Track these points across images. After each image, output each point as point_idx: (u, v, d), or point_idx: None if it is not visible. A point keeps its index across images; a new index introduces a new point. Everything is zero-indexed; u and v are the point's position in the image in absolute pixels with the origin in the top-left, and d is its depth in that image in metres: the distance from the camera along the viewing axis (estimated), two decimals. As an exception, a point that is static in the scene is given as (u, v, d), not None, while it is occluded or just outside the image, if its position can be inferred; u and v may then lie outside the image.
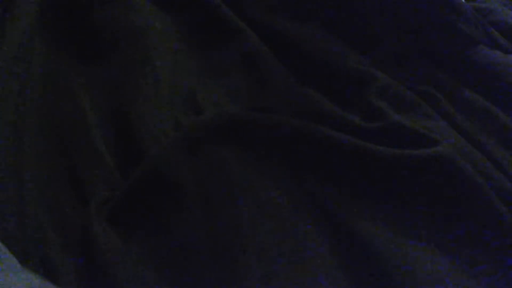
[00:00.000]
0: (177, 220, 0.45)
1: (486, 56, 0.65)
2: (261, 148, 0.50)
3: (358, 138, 0.50)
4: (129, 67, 0.58)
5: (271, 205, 0.46)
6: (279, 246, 0.44)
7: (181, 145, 0.49)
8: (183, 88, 0.58)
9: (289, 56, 0.62)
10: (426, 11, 0.66)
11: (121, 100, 0.55)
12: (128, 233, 0.44)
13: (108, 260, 0.41)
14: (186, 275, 0.42)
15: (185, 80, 0.59)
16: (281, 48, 0.63)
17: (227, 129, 0.50)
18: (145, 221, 0.45)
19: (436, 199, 0.48)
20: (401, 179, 0.48)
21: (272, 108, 0.55)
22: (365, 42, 0.66)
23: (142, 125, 0.52)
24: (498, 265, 0.45)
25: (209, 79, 0.59)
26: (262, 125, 0.51)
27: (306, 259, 0.43)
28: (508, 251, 0.45)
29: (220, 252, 0.43)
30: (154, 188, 0.46)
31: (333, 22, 0.67)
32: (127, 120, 0.53)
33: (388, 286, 0.42)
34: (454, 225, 0.46)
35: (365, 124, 0.54)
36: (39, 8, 0.61)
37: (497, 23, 0.74)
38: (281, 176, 0.49)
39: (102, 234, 0.42)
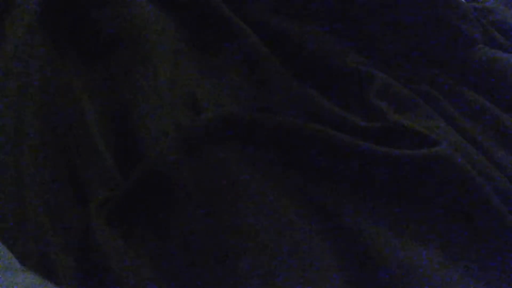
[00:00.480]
0: (177, 220, 0.45)
1: (486, 56, 0.65)
2: (261, 148, 0.50)
3: (358, 138, 0.50)
4: (129, 67, 0.58)
5: (271, 205, 0.46)
6: (279, 246, 0.44)
7: (181, 145, 0.49)
8: (183, 88, 0.58)
9: (289, 56, 0.62)
10: (426, 11, 0.66)
11: (121, 100, 0.55)
12: (128, 233, 0.44)
13: (108, 260, 0.41)
14: (186, 275, 0.42)
15: (185, 80, 0.59)
16: (281, 48, 0.63)
17: (227, 129, 0.50)
18: (145, 221, 0.45)
19: (436, 199, 0.48)
20: (401, 179, 0.48)
21: (272, 108, 0.55)
22: (365, 42, 0.66)
23: (142, 125, 0.52)
24: (498, 265, 0.45)
25: (209, 79, 0.59)
26: (262, 125, 0.51)
27: (306, 259, 0.43)
28: (508, 251, 0.45)
29: (220, 252, 0.43)
30: (154, 188, 0.46)
31: (333, 22, 0.67)
32: (127, 120, 0.53)
33: (388, 285, 0.42)
34: (454, 225, 0.46)
35: (365, 124, 0.54)
36: (39, 8, 0.61)
37: (497, 23, 0.74)
38: (281, 176, 0.49)
39: (102, 234, 0.42)
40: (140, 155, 0.49)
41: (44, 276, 0.40)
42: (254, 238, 0.44)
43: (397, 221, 0.46)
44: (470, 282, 0.43)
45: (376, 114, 0.55)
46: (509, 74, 0.63)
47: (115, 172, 0.49)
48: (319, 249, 0.44)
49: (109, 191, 0.47)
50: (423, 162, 0.48)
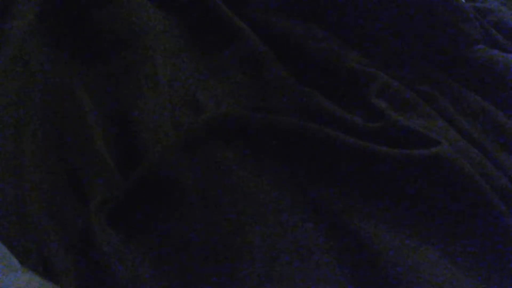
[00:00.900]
0: (177, 220, 0.45)
1: (486, 56, 0.65)
2: (261, 148, 0.50)
3: (358, 138, 0.50)
4: (129, 67, 0.58)
5: (271, 204, 0.46)
6: (278, 246, 0.44)
7: (181, 145, 0.49)
8: (183, 88, 0.58)
9: (289, 56, 0.62)
10: (426, 11, 0.66)
11: (121, 100, 0.55)
12: (128, 233, 0.44)
13: (108, 260, 0.41)
14: (186, 275, 0.42)
15: (185, 80, 0.59)
16: (281, 48, 0.63)
17: (227, 129, 0.50)
18: (145, 221, 0.45)
19: (436, 199, 0.48)
20: (401, 179, 0.48)
21: (272, 108, 0.56)
22: (365, 42, 0.66)
23: (142, 125, 0.52)
24: (498, 264, 0.45)
25: (209, 79, 0.59)
26: (262, 125, 0.51)
27: (306, 258, 0.43)
28: (508, 251, 0.45)
29: (220, 252, 0.43)
30: (154, 188, 0.46)
31: (333, 22, 0.67)
32: (127, 120, 0.53)
33: (388, 285, 0.42)
34: (454, 225, 0.46)
35: (365, 124, 0.54)
36: (39, 8, 0.61)
37: (497, 23, 0.75)
38: (281, 175, 0.49)
39: (102, 234, 0.42)
40: (140, 155, 0.49)
41: (44, 276, 0.40)
42: (254, 238, 0.44)
43: (397, 221, 0.46)
44: (471, 282, 0.43)
45: (376, 114, 0.55)
46: (509, 74, 0.63)
47: (115, 172, 0.49)
48: (319, 249, 0.44)
49: (109, 191, 0.47)
50: (423, 162, 0.48)
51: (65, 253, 0.42)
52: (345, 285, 0.42)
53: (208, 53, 0.63)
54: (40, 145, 0.50)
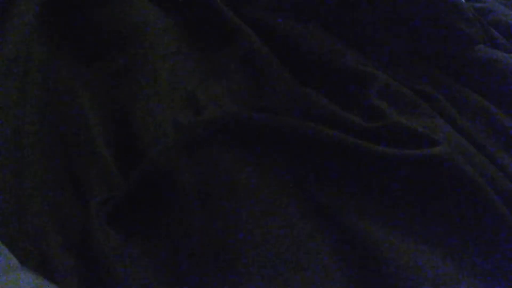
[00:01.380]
0: (177, 220, 0.45)
1: (486, 56, 0.65)
2: (261, 148, 0.50)
3: (358, 138, 0.50)
4: (129, 67, 0.58)
5: (271, 205, 0.46)
6: (279, 246, 0.44)
7: (181, 145, 0.49)
8: (183, 88, 0.58)
9: (289, 56, 0.62)
10: (426, 11, 0.66)
11: (121, 100, 0.55)
12: (128, 233, 0.44)
13: (108, 260, 0.41)
14: (186, 275, 0.42)
15: (185, 80, 0.59)
16: (281, 48, 0.63)
17: (227, 129, 0.50)
18: (145, 221, 0.45)
19: (436, 199, 0.48)
20: (401, 179, 0.48)
21: (272, 108, 0.55)
22: (365, 42, 0.66)
23: (142, 125, 0.52)
24: (498, 264, 0.45)
25: (209, 79, 0.59)
26: (262, 125, 0.51)
27: (306, 258, 0.43)
28: (509, 251, 0.45)
29: (220, 252, 0.43)
30: (154, 188, 0.46)
31: (333, 22, 0.67)
32: (127, 120, 0.53)
33: (388, 285, 0.42)
34: (454, 225, 0.46)
35: (365, 124, 0.54)
36: (39, 8, 0.61)
37: (497, 23, 0.75)
38: (281, 175, 0.49)
39: (102, 234, 0.42)
40: (140, 155, 0.49)
41: (44, 276, 0.40)
42: (254, 238, 0.44)
43: (397, 221, 0.46)
44: (471, 282, 0.43)
45: (376, 114, 0.55)
46: (509, 74, 0.63)
47: (115, 172, 0.49)
48: (319, 248, 0.44)
49: (109, 191, 0.47)
50: (423, 162, 0.48)
51: (65, 253, 0.42)
52: (346, 285, 0.42)
53: (208, 53, 0.63)
54: (40, 145, 0.50)
